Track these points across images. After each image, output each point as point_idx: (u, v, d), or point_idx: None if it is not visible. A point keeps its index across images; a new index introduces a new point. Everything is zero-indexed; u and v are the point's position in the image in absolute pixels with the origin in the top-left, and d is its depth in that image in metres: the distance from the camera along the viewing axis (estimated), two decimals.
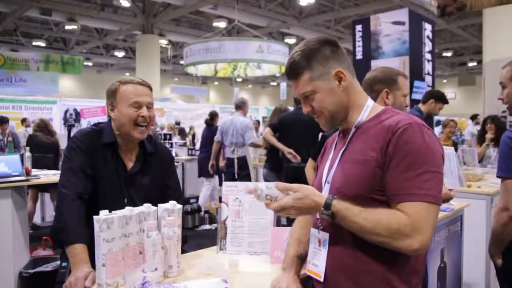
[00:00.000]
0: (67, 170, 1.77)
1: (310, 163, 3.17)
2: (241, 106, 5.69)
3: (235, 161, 5.53)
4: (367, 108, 1.29)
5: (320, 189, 1.30)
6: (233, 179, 5.46)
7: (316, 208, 1.17)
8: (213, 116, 7.06)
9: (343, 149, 1.28)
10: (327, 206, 1.15)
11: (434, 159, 1.14)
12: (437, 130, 7.56)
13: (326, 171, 1.33)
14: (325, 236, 1.27)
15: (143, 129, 1.81)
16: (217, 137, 5.87)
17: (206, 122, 7.06)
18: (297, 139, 4.44)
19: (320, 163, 1.46)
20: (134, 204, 1.68)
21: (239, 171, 5.49)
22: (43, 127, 5.71)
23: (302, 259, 1.41)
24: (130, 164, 1.86)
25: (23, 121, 9.92)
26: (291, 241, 1.47)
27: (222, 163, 6.06)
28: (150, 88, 1.87)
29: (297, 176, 4.46)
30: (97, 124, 1.93)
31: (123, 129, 1.80)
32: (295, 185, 1.19)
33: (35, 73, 14.59)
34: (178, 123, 12.86)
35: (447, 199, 2.21)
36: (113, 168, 1.81)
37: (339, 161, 1.28)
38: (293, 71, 1.28)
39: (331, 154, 1.36)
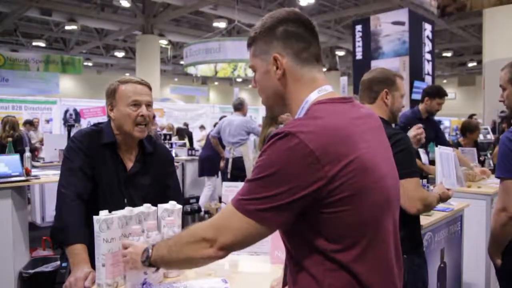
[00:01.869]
0: (67, 170, 1.77)
1: None
2: (239, 108, 5.67)
3: (230, 160, 5.53)
4: (306, 104, 1.06)
5: None
6: (227, 179, 5.45)
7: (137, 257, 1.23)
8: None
9: None
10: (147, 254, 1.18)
11: (267, 168, 0.94)
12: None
13: None
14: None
15: (143, 128, 1.81)
16: (213, 132, 5.89)
17: (215, 125, 7.12)
18: None
19: None
20: (134, 204, 1.68)
21: (233, 171, 5.47)
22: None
23: None
24: (130, 164, 1.86)
25: (30, 123, 9.78)
26: None
27: (222, 163, 6.07)
28: (149, 87, 1.87)
29: None
30: (96, 125, 1.93)
31: (123, 129, 1.80)
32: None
33: (35, 73, 14.59)
34: (186, 125, 12.92)
35: (445, 199, 2.22)
36: (112, 168, 1.81)
37: None
38: (247, 43, 1.16)
39: None
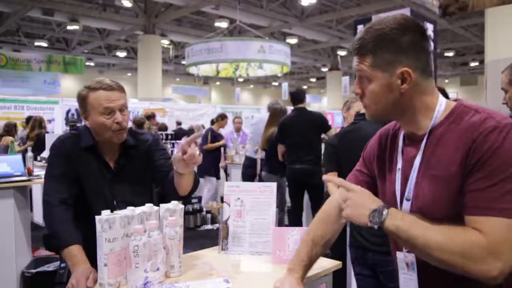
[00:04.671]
0: (49, 177, 1.78)
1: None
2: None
3: (258, 161, 5.47)
4: (440, 108, 1.09)
5: (395, 205, 1.13)
6: (252, 181, 5.37)
7: (369, 207, 1.06)
8: (218, 117, 7.07)
9: (419, 160, 1.10)
10: (380, 210, 1.04)
11: None
12: None
13: (399, 185, 1.15)
14: (412, 258, 1.12)
15: (121, 132, 1.77)
16: (254, 138, 5.70)
17: (212, 122, 7.06)
18: (298, 141, 4.42)
19: (379, 173, 1.26)
20: (125, 201, 1.69)
21: (261, 172, 5.39)
22: None
23: (311, 264, 1.33)
24: (113, 162, 1.84)
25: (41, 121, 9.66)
26: (305, 241, 1.33)
27: (223, 163, 6.05)
28: (121, 89, 1.79)
29: (300, 178, 4.46)
30: (76, 128, 1.92)
31: (101, 136, 1.78)
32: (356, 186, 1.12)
33: (37, 73, 14.62)
34: (179, 123, 12.85)
35: None
36: (97, 169, 1.80)
37: (416, 175, 1.10)
38: (357, 49, 1.11)
39: (399, 164, 1.17)
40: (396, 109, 1.11)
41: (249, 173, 5.58)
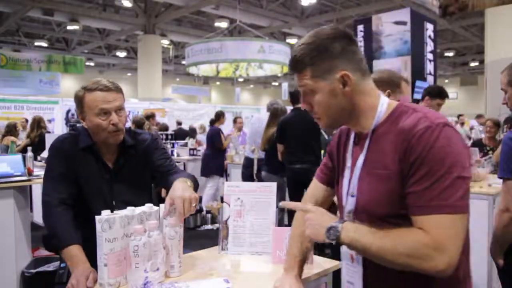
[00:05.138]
0: (48, 178, 1.78)
1: None
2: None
3: (255, 161, 5.47)
4: (382, 108, 1.16)
5: (342, 199, 1.23)
6: (251, 181, 5.39)
7: (325, 225, 1.11)
8: (218, 116, 7.07)
9: (363, 158, 1.17)
10: (334, 227, 1.09)
11: (455, 163, 1.00)
12: None
13: (346, 182, 1.22)
14: None
15: (117, 133, 1.76)
16: (252, 137, 5.72)
17: (211, 121, 7.07)
18: (297, 141, 4.43)
19: (337, 168, 1.32)
20: (124, 200, 1.68)
21: (257, 172, 5.41)
22: None
23: (304, 259, 1.39)
24: (112, 162, 1.84)
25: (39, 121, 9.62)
26: (293, 239, 1.40)
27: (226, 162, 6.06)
28: (118, 90, 1.77)
29: (300, 178, 4.45)
30: (74, 128, 1.92)
31: (98, 137, 1.77)
32: (312, 207, 1.19)
33: (37, 73, 14.62)
34: (179, 123, 12.85)
35: None
36: (95, 169, 1.80)
37: (360, 173, 1.17)
38: (294, 66, 1.18)
39: (348, 161, 1.23)
40: (344, 113, 1.17)
41: (249, 173, 5.60)
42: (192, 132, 10.30)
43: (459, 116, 10.97)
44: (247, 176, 5.57)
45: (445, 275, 1.00)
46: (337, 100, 1.15)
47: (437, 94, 3.74)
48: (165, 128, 9.43)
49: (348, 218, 1.18)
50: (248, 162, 5.65)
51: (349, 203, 1.19)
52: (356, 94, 1.15)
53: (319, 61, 1.14)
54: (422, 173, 1.01)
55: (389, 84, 2.08)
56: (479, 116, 11.08)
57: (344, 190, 1.23)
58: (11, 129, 7.31)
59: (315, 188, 1.42)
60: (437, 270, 0.98)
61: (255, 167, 5.46)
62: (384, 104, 1.17)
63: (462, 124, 10.80)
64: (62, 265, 1.84)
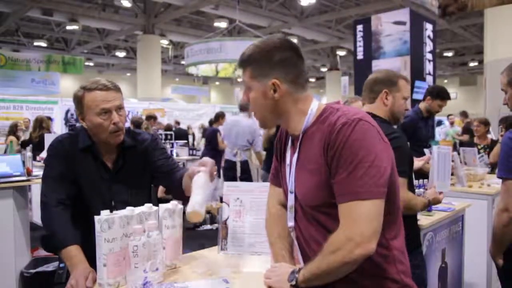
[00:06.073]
0: (47, 178, 1.76)
1: None
2: (246, 108, 5.59)
3: (238, 164, 5.48)
4: (311, 112, 1.27)
5: (287, 197, 1.34)
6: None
7: (285, 277, 1.23)
8: (217, 117, 7.07)
9: (296, 157, 1.29)
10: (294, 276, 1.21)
11: (368, 153, 1.11)
12: (438, 130, 7.52)
13: (287, 179, 1.33)
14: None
15: (118, 134, 1.75)
16: (223, 137, 5.82)
17: (210, 122, 7.07)
18: None
19: (281, 164, 1.42)
20: (123, 200, 1.68)
21: (240, 175, 5.43)
22: None
23: (291, 253, 1.39)
24: (111, 163, 1.83)
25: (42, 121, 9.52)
26: (272, 241, 1.43)
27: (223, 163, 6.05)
28: (117, 89, 1.76)
29: None
30: (73, 128, 1.90)
31: (98, 137, 1.76)
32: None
33: (37, 73, 14.60)
34: (178, 123, 12.85)
35: (435, 203, 2.22)
36: (94, 170, 1.79)
37: (295, 170, 1.29)
38: (240, 62, 1.32)
39: (287, 160, 1.35)
40: (274, 114, 1.29)
41: (232, 175, 5.53)
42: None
43: (448, 115, 10.91)
44: (230, 178, 5.55)
45: (369, 254, 1.09)
46: (267, 102, 1.27)
47: (439, 95, 3.74)
48: (169, 128, 9.46)
49: (290, 213, 1.32)
50: (229, 165, 5.65)
51: (290, 199, 1.32)
52: (287, 101, 1.26)
53: (258, 65, 1.26)
54: (341, 164, 1.12)
55: (385, 83, 2.07)
56: (463, 114, 11.02)
57: (285, 188, 1.35)
58: (13, 129, 7.33)
59: (276, 193, 1.47)
60: (362, 254, 1.08)
61: (239, 170, 5.44)
62: (314, 108, 1.27)
63: (452, 123, 10.76)
64: (61, 265, 1.83)
